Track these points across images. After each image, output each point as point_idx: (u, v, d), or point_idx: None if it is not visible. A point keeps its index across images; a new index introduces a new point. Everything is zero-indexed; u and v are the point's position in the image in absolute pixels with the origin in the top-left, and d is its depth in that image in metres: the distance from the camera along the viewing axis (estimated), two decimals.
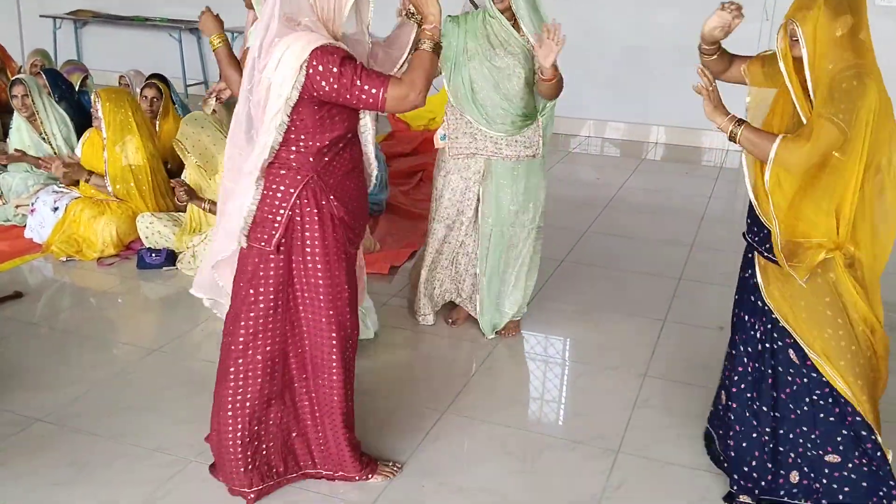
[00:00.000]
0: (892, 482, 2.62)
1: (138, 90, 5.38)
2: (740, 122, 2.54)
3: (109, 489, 2.81)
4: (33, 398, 3.31)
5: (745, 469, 2.78)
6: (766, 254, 2.65)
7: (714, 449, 3.01)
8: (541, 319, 4.13)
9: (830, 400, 2.62)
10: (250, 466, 2.72)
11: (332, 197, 2.54)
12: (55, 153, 5.27)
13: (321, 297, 2.61)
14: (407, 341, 3.91)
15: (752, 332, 2.75)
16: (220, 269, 2.74)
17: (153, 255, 4.62)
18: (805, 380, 2.63)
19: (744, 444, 2.78)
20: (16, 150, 5.25)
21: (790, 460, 2.72)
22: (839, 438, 2.63)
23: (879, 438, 2.62)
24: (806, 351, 2.59)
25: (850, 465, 2.64)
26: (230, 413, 2.66)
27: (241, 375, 2.65)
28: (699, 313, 4.16)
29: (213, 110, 4.84)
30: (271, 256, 2.56)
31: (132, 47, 9.16)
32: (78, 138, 5.18)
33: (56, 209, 4.84)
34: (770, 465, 2.75)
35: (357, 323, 2.74)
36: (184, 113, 5.31)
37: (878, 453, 2.62)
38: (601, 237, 5.30)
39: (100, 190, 4.83)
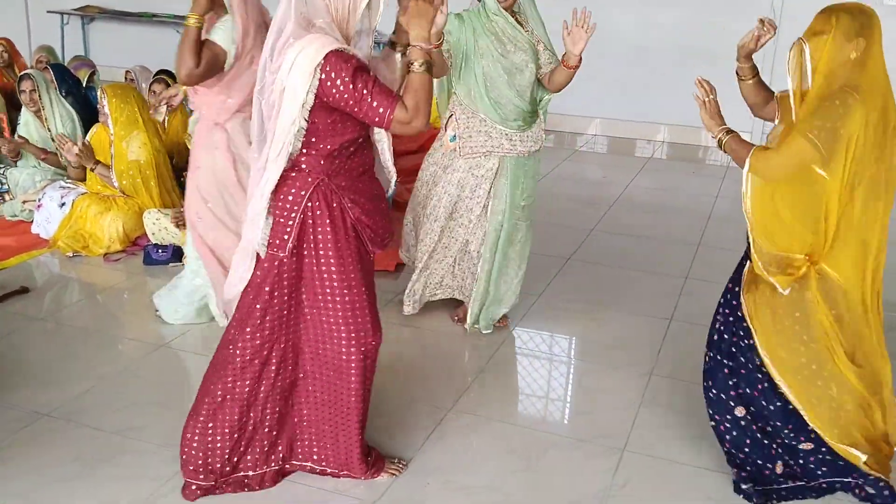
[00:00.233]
0: None
1: (144, 86, 5.39)
2: (730, 131, 2.69)
3: (115, 485, 2.81)
4: (39, 394, 3.32)
5: (739, 462, 2.86)
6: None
7: None
8: (546, 317, 4.13)
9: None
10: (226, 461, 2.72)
11: (345, 199, 2.53)
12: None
13: (337, 299, 2.59)
14: (412, 338, 3.91)
15: (729, 328, 2.82)
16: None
17: (159, 251, 4.63)
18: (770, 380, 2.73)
19: (735, 434, 2.85)
20: (19, 136, 5.26)
21: (773, 452, 2.82)
22: (809, 427, 2.72)
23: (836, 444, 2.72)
24: (759, 350, 2.69)
25: (823, 450, 2.76)
26: (219, 402, 2.67)
27: (237, 369, 2.64)
28: (705, 312, 4.11)
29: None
30: (284, 261, 2.55)
31: (140, 43, 9.16)
32: (85, 134, 5.19)
33: (63, 205, 4.85)
34: (759, 460, 2.83)
35: (378, 325, 2.70)
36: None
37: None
38: (607, 236, 5.29)
39: (105, 181, 4.83)
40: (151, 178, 4.79)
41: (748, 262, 2.73)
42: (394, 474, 2.88)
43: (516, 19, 3.54)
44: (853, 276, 2.59)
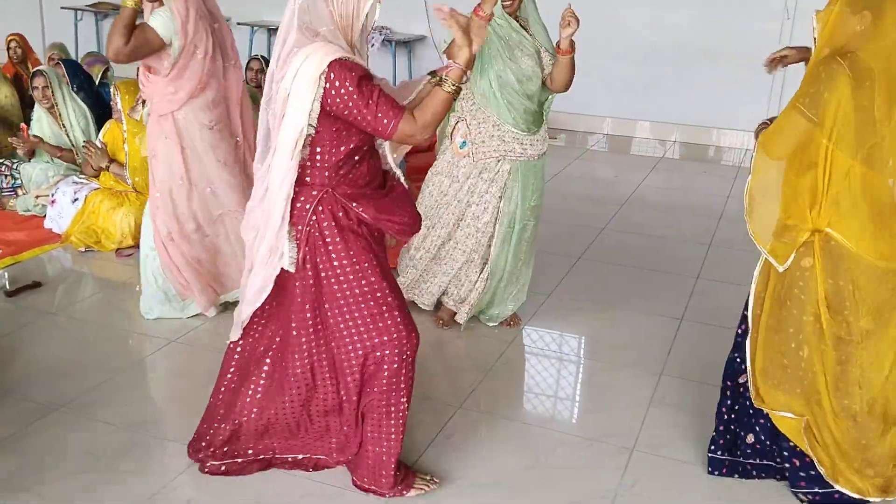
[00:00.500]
0: None
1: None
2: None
3: (126, 478, 2.83)
4: (51, 387, 3.34)
5: (715, 432, 2.95)
6: None
7: None
8: (557, 316, 4.13)
9: None
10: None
11: (355, 204, 2.49)
12: (72, 145, 5.31)
13: (362, 306, 2.54)
14: (421, 336, 3.90)
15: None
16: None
17: None
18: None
19: (729, 403, 2.95)
20: (34, 135, 5.29)
21: (745, 421, 2.89)
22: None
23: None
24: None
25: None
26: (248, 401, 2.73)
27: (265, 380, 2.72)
28: (717, 312, 4.14)
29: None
30: (297, 274, 2.53)
31: None
32: (98, 130, 5.22)
33: (76, 200, 4.88)
34: (733, 427, 2.92)
35: (412, 324, 2.63)
36: None
37: None
38: (619, 235, 5.29)
39: (119, 179, 4.86)
40: None
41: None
42: (422, 490, 2.78)
43: (520, 24, 3.57)
44: (865, 239, 2.51)
